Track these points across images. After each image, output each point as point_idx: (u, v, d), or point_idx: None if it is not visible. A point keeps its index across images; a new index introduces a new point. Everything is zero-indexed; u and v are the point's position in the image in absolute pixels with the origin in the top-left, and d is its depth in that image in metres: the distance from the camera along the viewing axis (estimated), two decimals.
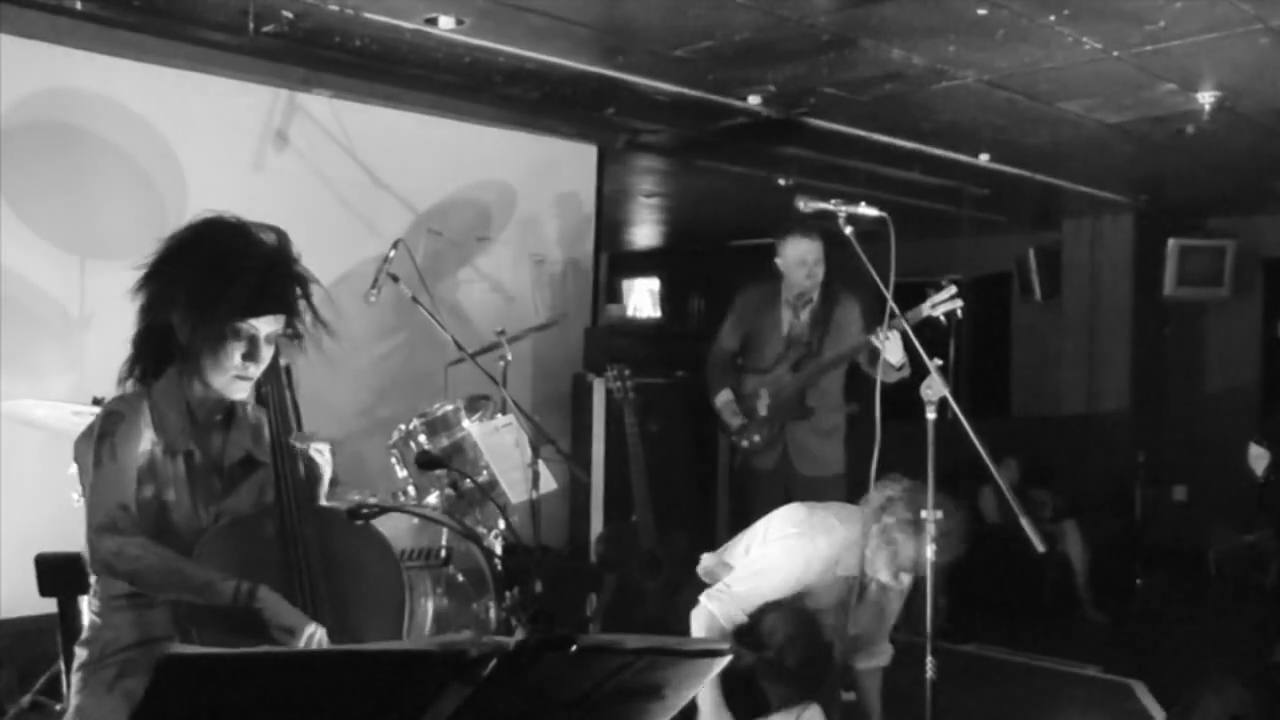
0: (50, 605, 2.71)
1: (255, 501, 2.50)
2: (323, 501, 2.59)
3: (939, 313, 4.28)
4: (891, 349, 4.23)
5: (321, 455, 2.55)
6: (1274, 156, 6.85)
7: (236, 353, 2.35)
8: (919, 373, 3.50)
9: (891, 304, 3.68)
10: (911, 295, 4.23)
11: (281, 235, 2.45)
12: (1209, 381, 9.53)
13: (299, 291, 2.43)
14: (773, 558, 3.67)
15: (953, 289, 4.27)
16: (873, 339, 4.31)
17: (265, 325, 2.38)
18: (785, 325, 5.07)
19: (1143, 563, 7.82)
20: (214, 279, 2.31)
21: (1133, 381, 9.16)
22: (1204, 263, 8.95)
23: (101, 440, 2.36)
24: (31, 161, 4.63)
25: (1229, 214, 9.17)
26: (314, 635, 2.23)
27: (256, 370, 2.39)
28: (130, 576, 2.30)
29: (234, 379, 2.39)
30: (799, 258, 4.92)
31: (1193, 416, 9.43)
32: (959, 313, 4.28)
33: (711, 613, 3.60)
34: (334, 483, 2.65)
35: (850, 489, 4.66)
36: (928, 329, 4.13)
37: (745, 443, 5.02)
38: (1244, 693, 3.94)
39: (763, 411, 5.02)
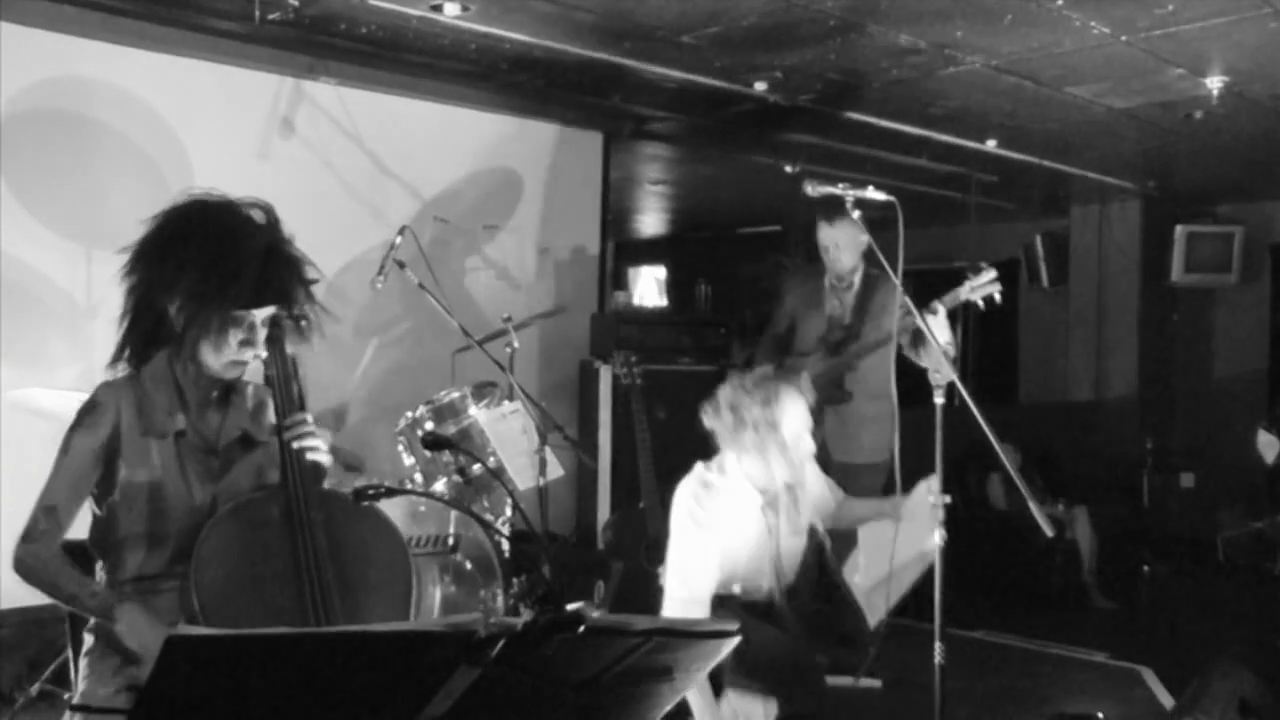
0: None
1: (253, 482, 2.50)
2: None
3: (977, 296, 4.16)
4: (939, 327, 3.94)
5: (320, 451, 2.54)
6: None
7: (235, 339, 2.36)
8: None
9: (901, 291, 3.60)
10: (919, 282, 4.17)
11: (270, 214, 2.42)
12: (1217, 368, 9.51)
13: (297, 277, 2.41)
14: (676, 555, 3.46)
15: (992, 272, 4.13)
16: (917, 319, 4.25)
17: (262, 310, 2.38)
18: (827, 307, 4.99)
19: (1151, 549, 7.81)
20: (214, 271, 2.30)
21: (1140, 368, 9.15)
22: (1212, 249, 8.93)
23: (70, 431, 2.41)
24: (37, 150, 4.63)
25: (1237, 200, 9.14)
26: None
27: (253, 354, 2.39)
28: (31, 582, 2.36)
29: (231, 363, 2.39)
30: (821, 244, 4.89)
31: (1200, 403, 9.42)
32: (997, 297, 4.13)
33: None
34: (342, 417, 2.66)
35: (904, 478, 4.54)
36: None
37: None
38: (1252, 679, 3.93)
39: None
